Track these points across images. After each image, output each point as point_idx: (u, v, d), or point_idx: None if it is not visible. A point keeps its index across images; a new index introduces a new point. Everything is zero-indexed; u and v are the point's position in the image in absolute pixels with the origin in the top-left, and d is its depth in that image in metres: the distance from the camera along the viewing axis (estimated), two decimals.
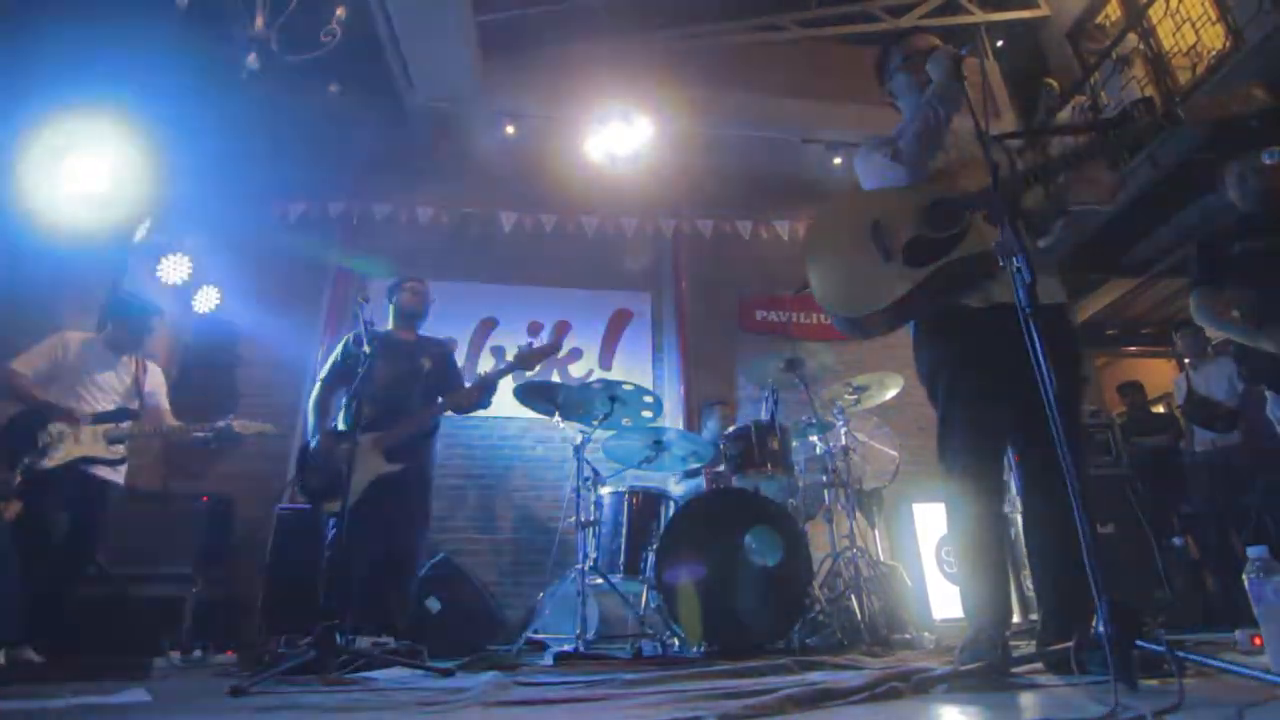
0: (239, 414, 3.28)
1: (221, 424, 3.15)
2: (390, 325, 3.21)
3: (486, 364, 5.11)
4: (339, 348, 3.21)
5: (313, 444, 2.94)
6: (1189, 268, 2.73)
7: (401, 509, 2.89)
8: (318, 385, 3.14)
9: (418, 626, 3.20)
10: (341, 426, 2.99)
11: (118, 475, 3.10)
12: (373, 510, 2.55)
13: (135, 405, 3.22)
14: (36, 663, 2.63)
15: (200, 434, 3.17)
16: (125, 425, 3.10)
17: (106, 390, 3.15)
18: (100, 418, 3.06)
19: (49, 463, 2.86)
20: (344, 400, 3.07)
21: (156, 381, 3.37)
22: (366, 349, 2.76)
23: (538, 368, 3.23)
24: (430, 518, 3.25)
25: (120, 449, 3.10)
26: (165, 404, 3.38)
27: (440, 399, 3.06)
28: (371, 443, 2.85)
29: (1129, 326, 7.30)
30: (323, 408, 3.07)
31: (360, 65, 4.82)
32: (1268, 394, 2.57)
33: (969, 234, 1.79)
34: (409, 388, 3.03)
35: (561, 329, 5.42)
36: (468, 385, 3.16)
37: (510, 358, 3.16)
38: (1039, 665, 1.56)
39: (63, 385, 3.04)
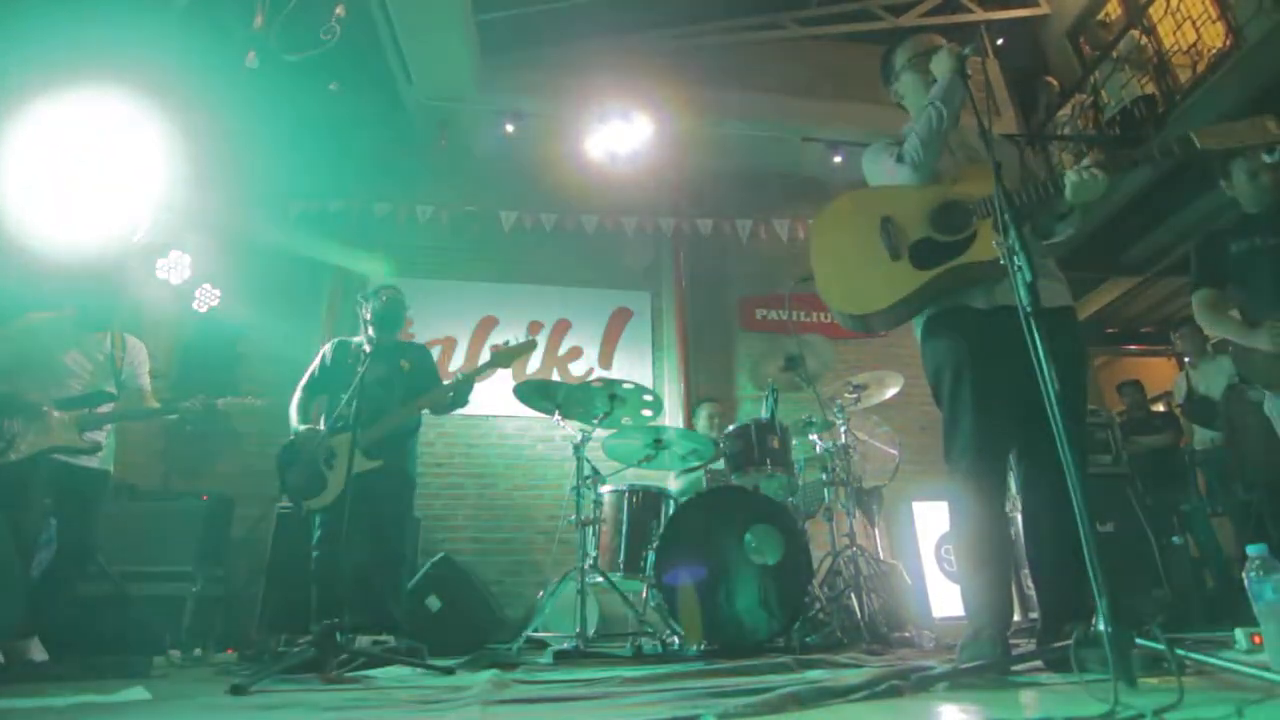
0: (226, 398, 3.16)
1: (188, 403, 3.02)
2: (369, 332, 3.22)
3: None
4: (319, 357, 3.27)
5: (294, 439, 2.99)
6: (1188, 267, 2.73)
7: (383, 504, 2.91)
8: (299, 390, 3.18)
9: (418, 625, 3.20)
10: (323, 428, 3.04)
11: (96, 461, 2.91)
12: (354, 506, 2.59)
13: (110, 386, 2.99)
14: (37, 661, 2.62)
15: (173, 416, 3.08)
16: (101, 410, 2.90)
17: (77, 372, 2.93)
18: (69, 403, 2.84)
19: (15, 455, 2.69)
20: (327, 404, 3.13)
21: (139, 359, 3.14)
22: (367, 347, 2.78)
23: (514, 365, 3.23)
24: (412, 512, 3.29)
25: (97, 436, 2.90)
26: (147, 384, 3.16)
27: (418, 399, 3.09)
28: (349, 441, 2.88)
29: (1128, 325, 7.31)
30: (303, 411, 3.11)
31: (360, 63, 4.82)
32: (1266, 393, 2.57)
33: (977, 239, 1.79)
34: (388, 389, 3.06)
35: (561, 328, 5.42)
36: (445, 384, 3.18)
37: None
38: (1039, 663, 1.56)
39: (30, 372, 2.83)
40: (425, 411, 3.18)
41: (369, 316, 3.11)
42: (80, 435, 2.85)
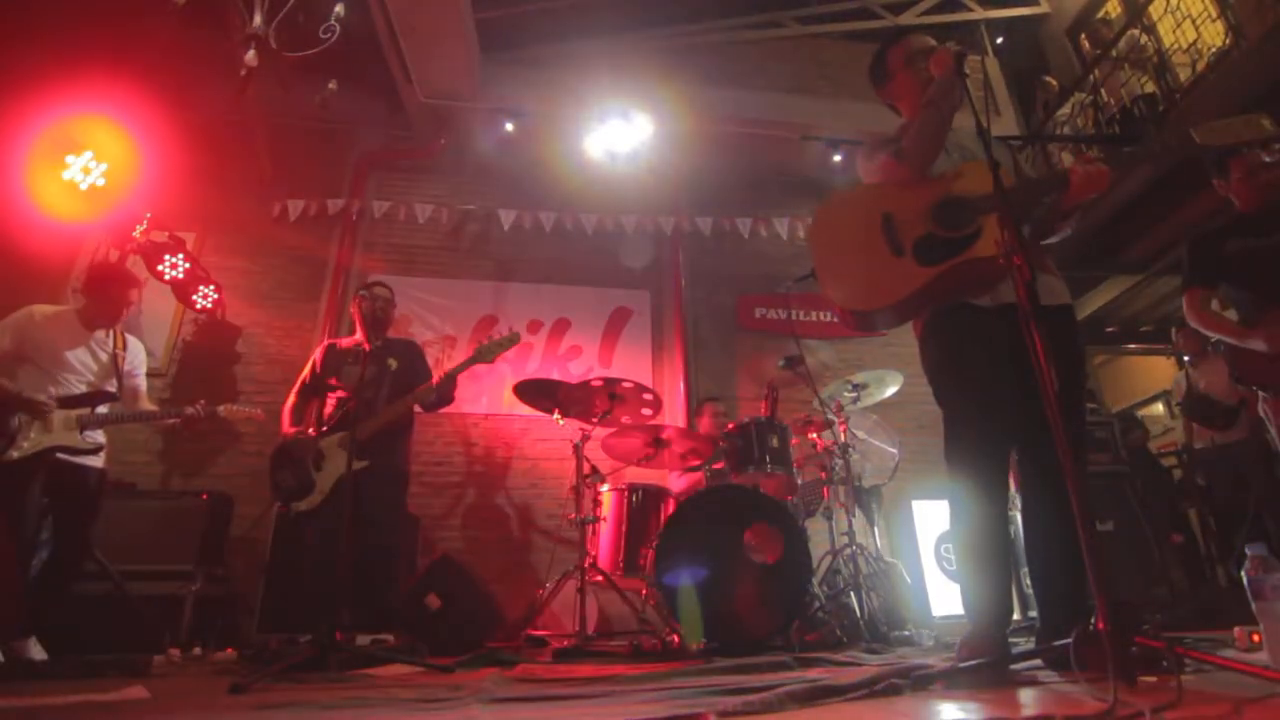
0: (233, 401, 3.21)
1: (190, 410, 3.04)
2: (358, 331, 3.21)
3: None
4: (310, 363, 3.29)
5: (285, 442, 3.01)
6: (1181, 267, 2.72)
7: (373, 503, 2.91)
8: (292, 395, 3.20)
9: (418, 624, 3.20)
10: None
11: (96, 460, 2.91)
12: (345, 506, 2.59)
13: (112, 386, 2.99)
14: (36, 660, 2.62)
15: (172, 420, 3.07)
16: (100, 411, 2.88)
17: (80, 370, 2.90)
18: (71, 402, 2.82)
19: (16, 453, 2.68)
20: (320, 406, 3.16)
21: (138, 360, 3.14)
22: (366, 346, 2.78)
23: (496, 359, 3.20)
24: (405, 507, 3.30)
25: (97, 436, 2.90)
26: (143, 385, 3.17)
27: (405, 396, 3.09)
28: (340, 442, 2.92)
29: (1128, 324, 7.30)
30: (294, 415, 3.13)
31: (359, 62, 4.82)
32: (1260, 393, 2.57)
33: (983, 235, 1.79)
34: (377, 388, 3.07)
35: (561, 327, 5.42)
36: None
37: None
38: (1038, 662, 1.56)
39: (33, 366, 2.80)
40: (417, 408, 3.18)
41: (360, 315, 3.12)
42: (81, 435, 2.84)
